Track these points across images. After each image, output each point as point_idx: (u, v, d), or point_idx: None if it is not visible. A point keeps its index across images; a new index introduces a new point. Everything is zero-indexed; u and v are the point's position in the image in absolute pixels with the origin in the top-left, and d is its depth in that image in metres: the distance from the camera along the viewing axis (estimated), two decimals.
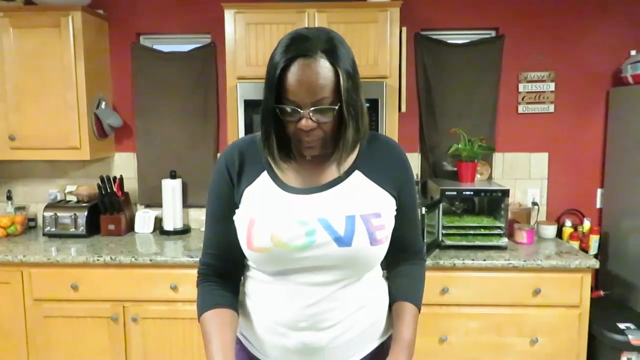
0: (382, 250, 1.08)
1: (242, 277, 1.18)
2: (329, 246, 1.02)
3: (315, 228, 1.02)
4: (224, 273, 1.13)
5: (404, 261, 1.20)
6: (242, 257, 1.12)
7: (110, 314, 2.37)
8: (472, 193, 2.51)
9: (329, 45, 0.98)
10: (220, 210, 1.12)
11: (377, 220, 1.05)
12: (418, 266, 1.22)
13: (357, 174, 1.09)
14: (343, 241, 1.02)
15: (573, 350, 2.29)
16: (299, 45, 0.97)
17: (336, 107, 0.99)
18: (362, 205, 1.06)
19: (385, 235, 1.07)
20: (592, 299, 2.30)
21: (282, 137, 1.05)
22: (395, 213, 1.12)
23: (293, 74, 0.96)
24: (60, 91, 2.59)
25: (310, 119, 0.98)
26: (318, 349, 1.07)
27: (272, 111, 1.00)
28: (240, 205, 1.09)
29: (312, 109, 0.97)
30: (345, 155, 1.05)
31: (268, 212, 1.05)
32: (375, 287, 1.15)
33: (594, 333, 2.29)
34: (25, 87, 2.60)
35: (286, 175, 1.09)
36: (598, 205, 2.85)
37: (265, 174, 1.09)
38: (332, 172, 1.09)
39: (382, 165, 1.12)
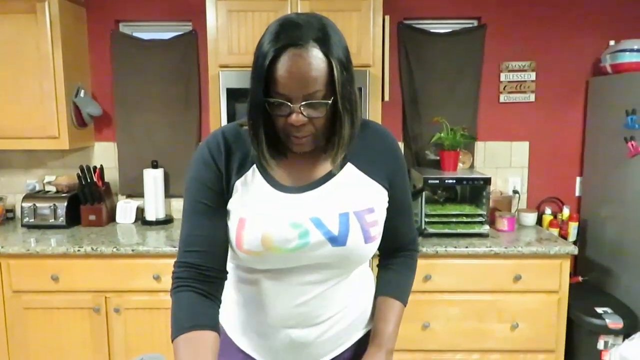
0: (375, 246, 1.05)
1: (226, 276, 1.08)
2: (322, 246, 0.99)
3: (308, 229, 0.98)
4: (207, 275, 1.01)
5: (396, 252, 1.18)
6: (227, 255, 1.05)
7: (92, 305, 2.34)
8: (454, 181, 2.53)
9: (322, 33, 0.90)
10: (208, 200, 1.02)
11: (370, 216, 1.02)
12: (410, 258, 1.19)
13: (349, 167, 1.04)
14: (337, 241, 0.99)
15: (552, 334, 2.34)
16: (290, 33, 0.89)
17: (329, 102, 0.92)
18: (355, 201, 1.02)
19: (378, 231, 1.04)
20: (570, 285, 2.35)
21: (270, 131, 0.98)
22: (387, 205, 1.09)
23: (283, 65, 0.89)
24: (37, 79, 2.53)
25: (301, 113, 0.91)
26: (306, 343, 1.06)
27: (260, 104, 0.93)
28: (231, 198, 1.02)
29: (303, 103, 0.91)
30: (341, 152, 0.99)
31: (258, 213, 1.00)
32: (362, 279, 1.14)
33: (572, 318, 2.34)
34: (0, 75, 2.53)
35: (276, 170, 1.02)
36: (577, 193, 2.90)
37: (254, 169, 1.03)
38: (323, 167, 1.04)
39: (374, 156, 1.07)
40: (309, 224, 0.98)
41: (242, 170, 1.03)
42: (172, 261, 1.05)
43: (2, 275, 2.35)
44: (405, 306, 1.14)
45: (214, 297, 1.02)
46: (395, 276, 1.17)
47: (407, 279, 1.18)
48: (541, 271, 2.32)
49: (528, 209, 2.85)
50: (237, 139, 1.04)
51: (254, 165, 1.03)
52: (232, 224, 1.01)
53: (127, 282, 2.34)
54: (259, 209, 1.00)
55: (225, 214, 1.03)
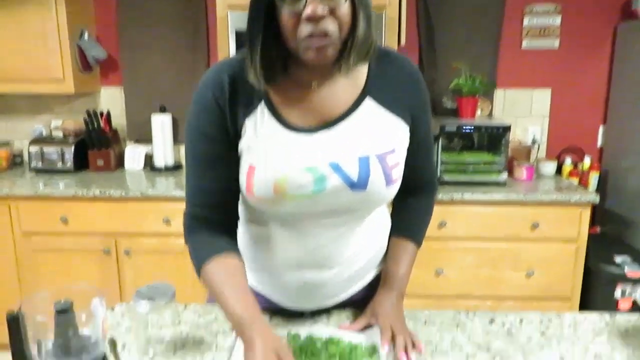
0: (396, 188, 0.96)
1: (238, 221, 1.03)
2: (341, 192, 0.90)
3: (325, 174, 0.89)
4: (219, 225, 0.96)
5: (413, 191, 1.09)
6: (238, 199, 0.99)
7: (102, 247, 2.33)
8: (472, 129, 2.44)
9: None
10: (212, 150, 0.92)
11: (392, 158, 0.93)
12: (427, 198, 1.12)
13: (368, 103, 0.93)
14: (357, 186, 0.90)
15: (568, 282, 2.30)
16: None
17: None
18: (376, 142, 0.92)
19: (399, 172, 0.95)
20: (589, 235, 2.29)
21: (276, 50, 0.85)
22: (408, 143, 0.98)
23: None
24: (40, 20, 2.45)
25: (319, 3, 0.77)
26: (320, 285, 1.01)
27: (265, 5, 0.80)
28: (241, 140, 0.92)
29: None
30: (354, 55, 0.85)
31: (270, 158, 0.89)
32: (380, 219, 1.08)
33: (590, 266, 2.29)
34: (2, 16, 2.43)
35: (286, 106, 0.91)
36: (599, 143, 2.80)
37: (262, 106, 0.91)
38: (340, 101, 0.92)
39: (395, 87, 0.95)
40: (326, 169, 0.89)
41: (250, 107, 0.91)
42: (182, 205, 0.99)
43: (11, 217, 2.33)
44: (419, 247, 1.09)
45: (229, 237, 0.98)
46: (411, 216, 1.11)
47: (423, 220, 1.12)
48: (560, 220, 2.25)
49: (547, 158, 2.76)
50: (243, 71, 0.89)
51: (262, 102, 0.91)
52: (242, 169, 0.93)
53: (136, 225, 2.32)
54: (269, 153, 0.90)
55: (232, 160, 0.93)
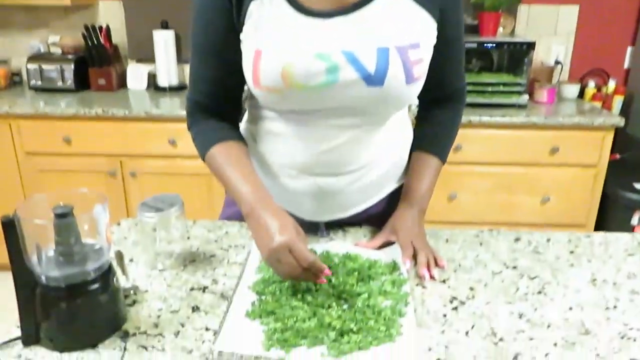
0: (417, 88, 0.88)
1: (242, 114, 1.01)
2: (355, 86, 0.82)
3: (338, 63, 0.81)
4: (221, 114, 0.95)
5: (439, 101, 1.01)
6: (242, 92, 0.95)
7: (107, 169, 2.28)
8: (494, 45, 2.29)
9: None
10: (215, 41, 0.88)
11: (414, 53, 0.84)
12: (454, 110, 1.04)
13: None
14: (373, 80, 0.82)
15: (584, 208, 2.25)
16: None
17: None
18: (398, 33, 0.83)
19: (422, 70, 0.87)
20: (609, 161, 2.21)
21: None
22: (434, 42, 0.90)
23: None
24: None
25: None
26: (333, 192, 0.95)
27: None
28: (245, 25, 0.85)
29: None
30: None
31: (278, 42, 0.82)
32: (400, 125, 0.99)
33: (607, 193, 2.24)
34: None
35: None
36: (626, 65, 2.65)
37: None
38: None
39: None
40: (340, 58, 0.81)
41: None
42: None
43: (12, 137, 2.27)
44: (444, 163, 1.02)
45: (233, 126, 0.98)
46: (436, 130, 1.03)
47: (449, 134, 1.04)
48: (581, 144, 2.17)
49: (570, 81, 2.62)
50: None
51: None
52: (247, 57, 0.85)
53: (141, 146, 2.25)
54: (277, 36, 0.82)
55: (235, 49, 0.87)
